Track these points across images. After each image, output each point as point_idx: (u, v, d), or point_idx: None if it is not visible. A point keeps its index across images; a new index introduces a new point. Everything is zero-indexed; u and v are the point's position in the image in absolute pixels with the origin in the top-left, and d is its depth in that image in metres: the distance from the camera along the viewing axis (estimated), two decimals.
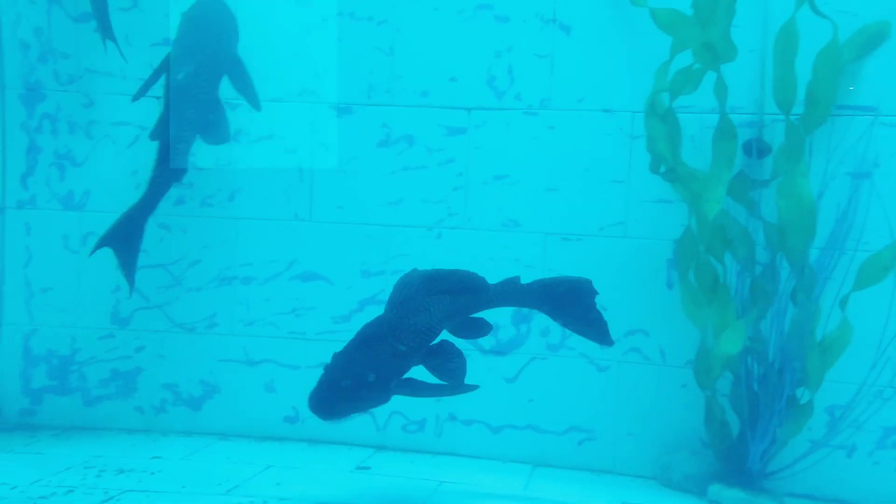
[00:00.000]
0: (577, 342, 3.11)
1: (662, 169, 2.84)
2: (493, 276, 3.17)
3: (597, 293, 2.63)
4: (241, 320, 3.30)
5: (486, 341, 3.18)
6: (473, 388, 2.48)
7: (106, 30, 3.05)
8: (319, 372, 3.20)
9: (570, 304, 2.62)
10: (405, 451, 3.14)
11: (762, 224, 2.77)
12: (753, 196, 2.79)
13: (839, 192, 2.82)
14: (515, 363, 3.17)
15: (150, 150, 3.24)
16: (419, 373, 2.50)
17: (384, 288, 3.23)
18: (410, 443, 3.20)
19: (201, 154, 3.24)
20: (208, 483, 2.54)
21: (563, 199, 3.14)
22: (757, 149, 2.85)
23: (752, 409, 2.72)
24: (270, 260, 3.28)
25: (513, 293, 2.60)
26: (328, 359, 3.23)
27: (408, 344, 2.38)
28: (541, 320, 3.14)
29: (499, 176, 3.17)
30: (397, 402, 3.24)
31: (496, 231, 3.18)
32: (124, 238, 3.03)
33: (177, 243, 3.29)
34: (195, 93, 3.03)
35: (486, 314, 2.64)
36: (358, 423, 3.22)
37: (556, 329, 3.13)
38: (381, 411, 3.23)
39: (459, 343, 2.58)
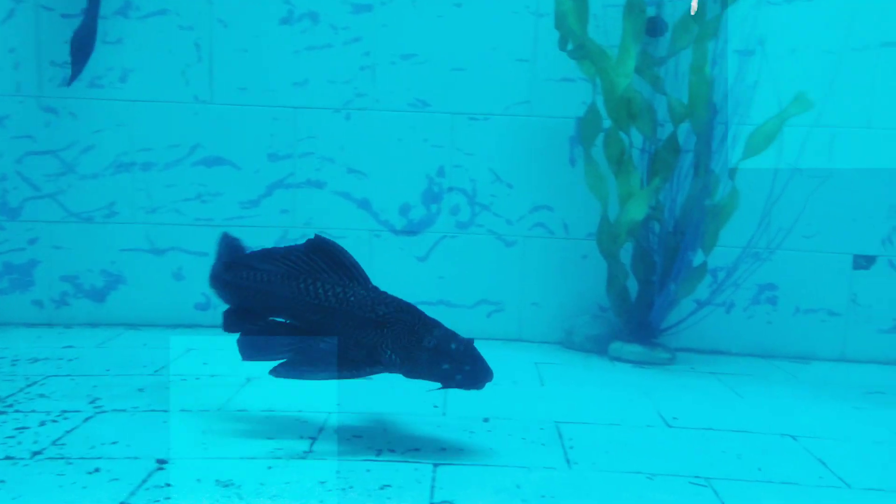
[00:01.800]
0: (486, 220, 3.11)
1: (570, 46, 2.81)
2: (403, 159, 3.10)
3: None
4: (142, 208, 3.05)
5: (398, 221, 3.13)
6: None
7: None
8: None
9: None
10: None
11: (666, 99, 2.81)
12: (657, 72, 2.82)
13: (727, 69, 2.90)
14: (426, 242, 3.13)
15: (28, 27, 2.87)
16: None
17: (293, 171, 3.08)
18: None
19: None
20: (133, 366, 2.38)
21: (470, 79, 3.05)
22: (657, 26, 2.87)
23: (653, 271, 2.85)
24: (171, 144, 3.03)
25: None
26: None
27: None
28: (450, 199, 3.11)
29: (406, 55, 3.04)
30: None
31: (404, 112, 3.07)
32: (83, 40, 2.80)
33: (65, 128, 2.96)
34: None
35: None
36: None
37: (465, 207, 3.11)
38: None
39: None
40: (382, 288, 3.12)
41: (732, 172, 2.80)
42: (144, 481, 1.52)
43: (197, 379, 2.28)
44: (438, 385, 1.74)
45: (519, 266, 3.13)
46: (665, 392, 2.36)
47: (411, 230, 3.13)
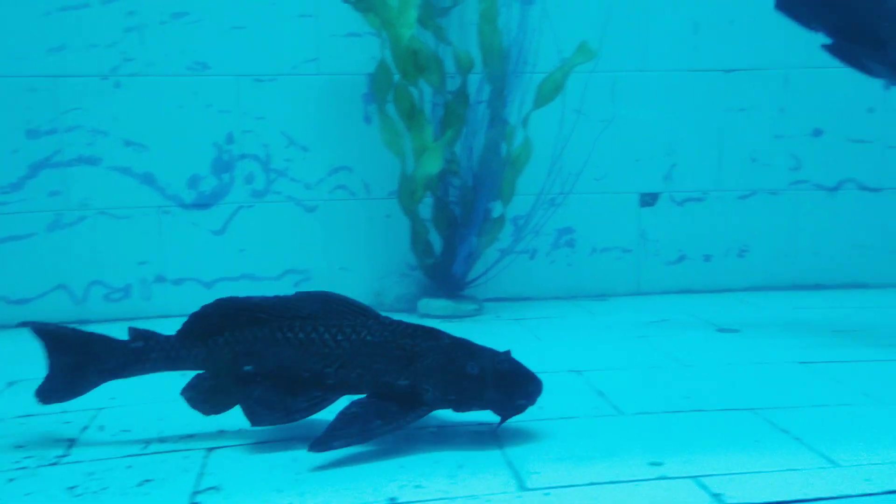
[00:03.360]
0: (284, 186, 2.95)
1: None
2: (187, 128, 2.86)
3: None
4: None
5: (188, 195, 2.89)
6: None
7: None
8: None
9: None
10: (113, 321, 2.79)
11: (452, 50, 2.76)
12: (441, 23, 2.76)
13: (511, 19, 2.89)
14: (221, 214, 2.92)
15: None
16: None
17: (59, 148, 2.75)
18: (117, 311, 2.86)
19: None
20: None
21: (252, 37, 2.85)
22: None
23: (453, 225, 2.82)
24: None
25: None
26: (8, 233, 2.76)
27: None
28: (243, 166, 2.91)
29: (177, 13, 2.78)
30: (96, 268, 2.88)
31: (183, 76, 2.82)
32: None
33: None
34: None
35: None
36: (53, 299, 2.81)
37: (260, 174, 2.93)
38: (78, 282, 2.84)
39: None
40: (177, 267, 2.92)
41: (525, 122, 2.81)
42: None
43: None
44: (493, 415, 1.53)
45: (323, 231, 3.01)
46: None
47: (203, 203, 2.91)
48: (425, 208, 2.86)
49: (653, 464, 1.36)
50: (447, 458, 1.43)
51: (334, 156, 2.97)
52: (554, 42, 2.88)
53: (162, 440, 1.56)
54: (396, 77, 2.74)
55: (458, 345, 1.55)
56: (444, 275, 2.85)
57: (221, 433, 1.60)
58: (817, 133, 3.02)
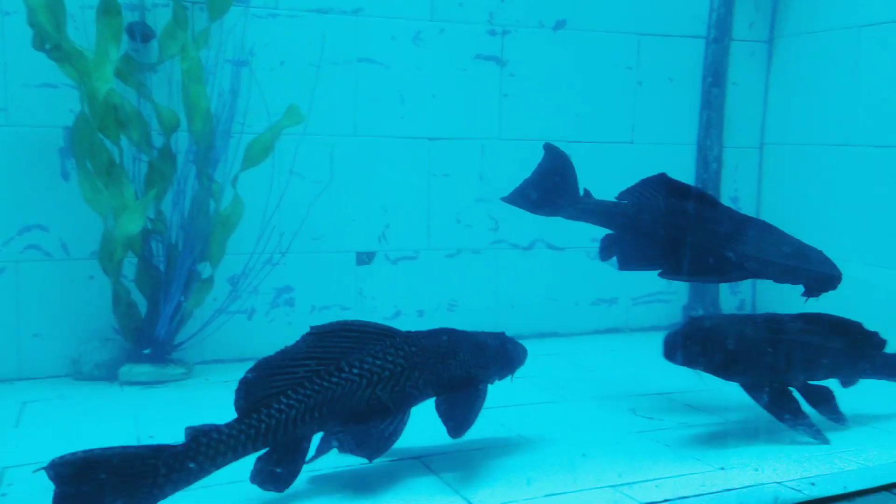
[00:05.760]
0: None
1: (48, 46, 2.54)
2: None
3: None
4: None
5: None
6: None
7: None
8: None
9: None
10: None
11: (155, 107, 2.71)
12: (142, 79, 2.70)
13: (223, 79, 2.90)
14: None
15: None
16: None
17: None
18: None
19: None
20: None
21: None
22: (141, 32, 2.75)
23: (158, 287, 2.72)
24: None
25: None
26: None
27: None
28: None
29: None
30: None
31: None
32: None
33: None
34: None
35: None
36: None
37: None
38: None
39: None
40: None
41: (234, 181, 2.81)
42: None
43: None
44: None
45: (12, 295, 2.76)
46: (159, 411, 2.26)
47: None
48: (130, 268, 2.74)
49: None
50: None
51: (26, 213, 2.75)
52: (271, 103, 2.93)
53: None
54: (95, 130, 2.62)
55: (468, 333, 1.94)
56: (149, 338, 2.73)
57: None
58: None
